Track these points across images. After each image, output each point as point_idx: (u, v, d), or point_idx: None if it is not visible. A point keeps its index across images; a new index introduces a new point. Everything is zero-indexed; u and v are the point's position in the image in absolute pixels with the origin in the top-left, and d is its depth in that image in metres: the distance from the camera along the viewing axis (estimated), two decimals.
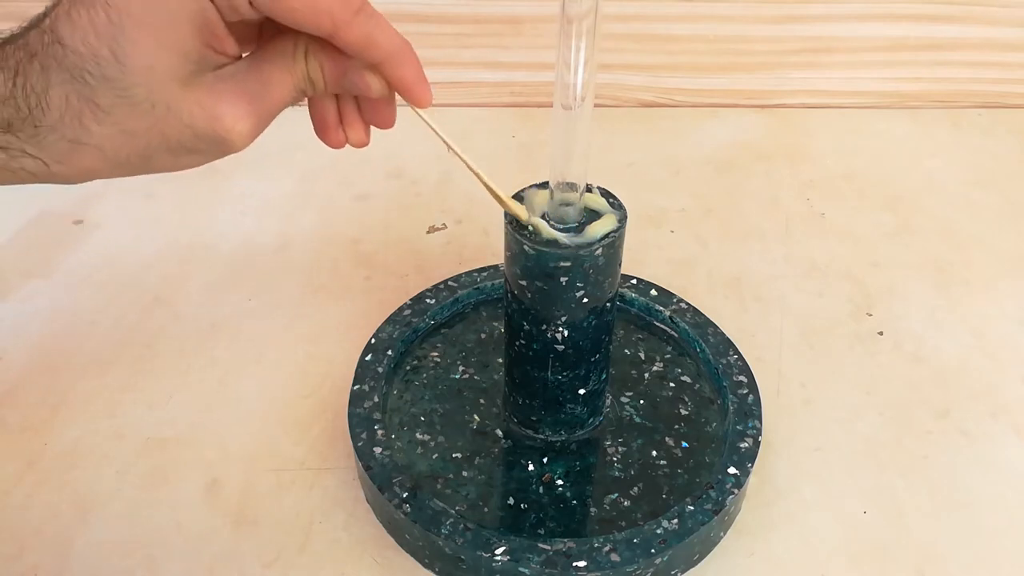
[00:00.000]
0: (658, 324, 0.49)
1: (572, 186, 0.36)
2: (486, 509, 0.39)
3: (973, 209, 0.62)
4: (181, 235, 0.58)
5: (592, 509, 0.39)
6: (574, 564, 0.35)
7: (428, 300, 0.48)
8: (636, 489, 0.40)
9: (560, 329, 0.38)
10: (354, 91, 0.31)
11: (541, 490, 0.40)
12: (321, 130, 0.33)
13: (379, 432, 0.41)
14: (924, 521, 0.41)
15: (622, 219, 0.37)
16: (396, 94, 0.32)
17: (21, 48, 0.27)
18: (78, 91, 0.27)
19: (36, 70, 0.26)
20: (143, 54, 0.27)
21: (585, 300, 0.37)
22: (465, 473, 0.41)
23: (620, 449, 0.42)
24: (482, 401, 0.44)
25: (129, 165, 0.29)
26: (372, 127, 0.34)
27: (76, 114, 0.27)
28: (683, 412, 0.44)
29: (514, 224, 0.37)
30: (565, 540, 0.36)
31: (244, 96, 0.29)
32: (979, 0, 0.69)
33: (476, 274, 0.50)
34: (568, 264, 0.36)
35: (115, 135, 0.27)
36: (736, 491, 0.38)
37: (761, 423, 0.42)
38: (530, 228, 0.36)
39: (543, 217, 0.37)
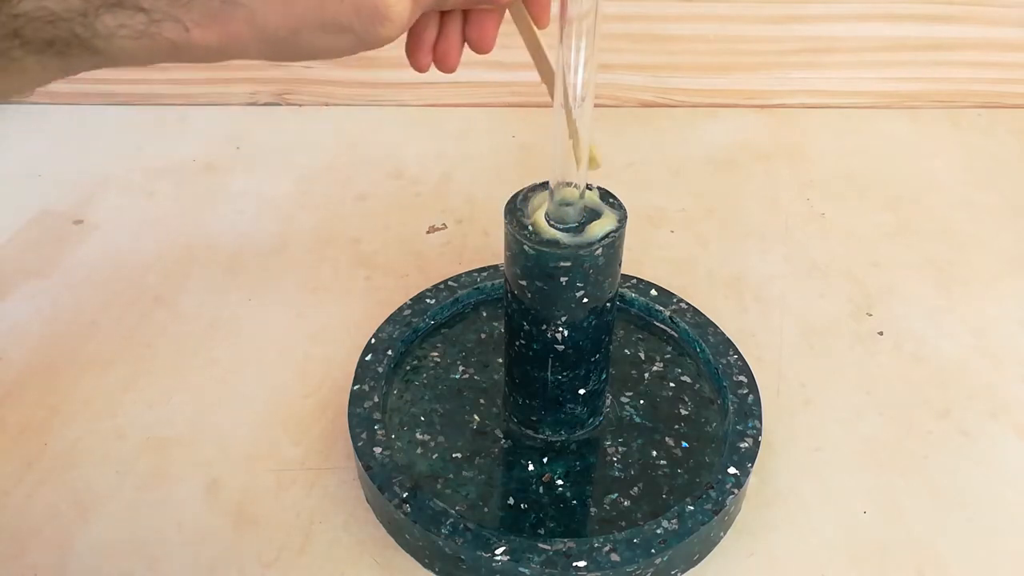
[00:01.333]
0: (658, 324, 0.49)
1: (572, 186, 0.36)
2: (486, 509, 0.39)
3: (973, 209, 0.62)
4: (181, 235, 0.58)
5: (592, 509, 0.39)
6: (574, 564, 0.35)
7: (428, 300, 0.48)
8: (636, 489, 0.40)
9: (560, 329, 0.38)
10: None
11: (541, 490, 0.40)
12: (414, 49, 0.33)
13: (379, 432, 0.41)
14: (924, 521, 0.41)
15: (622, 219, 0.37)
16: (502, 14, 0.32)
17: None
18: None
19: None
20: None
21: (585, 300, 0.37)
22: (465, 473, 0.41)
23: (620, 449, 0.42)
24: (482, 401, 0.44)
25: (275, 40, 0.27)
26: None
27: None
28: (683, 412, 0.44)
29: (515, 224, 0.37)
30: (565, 540, 0.36)
31: None
32: (979, 0, 0.69)
33: (476, 274, 0.50)
34: (568, 264, 0.36)
35: None
36: (736, 491, 0.38)
37: (761, 423, 0.42)
38: (531, 228, 0.36)
39: (543, 217, 0.37)
